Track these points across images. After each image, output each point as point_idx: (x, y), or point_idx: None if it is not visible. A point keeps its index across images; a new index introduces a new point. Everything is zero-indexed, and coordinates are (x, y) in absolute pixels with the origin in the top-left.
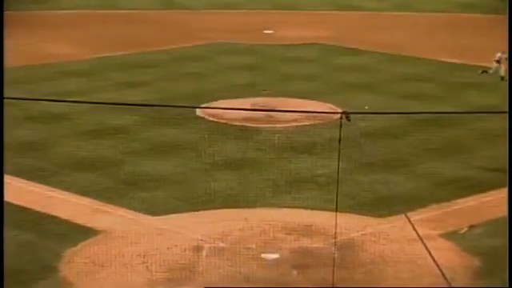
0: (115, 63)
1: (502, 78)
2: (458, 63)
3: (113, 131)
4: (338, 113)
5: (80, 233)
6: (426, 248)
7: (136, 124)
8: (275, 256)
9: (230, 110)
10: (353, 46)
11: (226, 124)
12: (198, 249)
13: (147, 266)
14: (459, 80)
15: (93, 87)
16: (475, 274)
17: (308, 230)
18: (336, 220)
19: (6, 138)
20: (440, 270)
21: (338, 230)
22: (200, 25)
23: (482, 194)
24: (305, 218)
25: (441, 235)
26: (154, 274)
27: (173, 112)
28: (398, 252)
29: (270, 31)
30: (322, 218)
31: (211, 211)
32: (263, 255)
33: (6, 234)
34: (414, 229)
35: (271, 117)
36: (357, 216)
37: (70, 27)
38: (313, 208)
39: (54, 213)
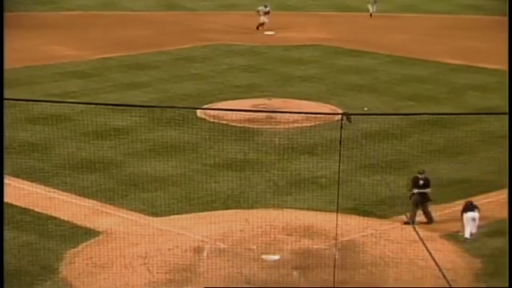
0: (116, 64)
1: None
2: (459, 64)
3: (114, 132)
4: (339, 114)
5: (81, 234)
6: (427, 249)
7: (137, 125)
8: (276, 257)
9: (231, 111)
10: (354, 48)
11: (226, 125)
12: (198, 250)
13: (148, 267)
14: (460, 81)
15: (93, 88)
16: (476, 276)
17: (309, 231)
18: (337, 221)
19: (7, 139)
20: (441, 271)
21: (339, 231)
22: (201, 26)
23: (483, 196)
24: (306, 219)
25: (442, 236)
26: (154, 274)
27: (174, 113)
28: (399, 253)
29: (270, 32)
30: (323, 219)
31: (212, 212)
32: (264, 256)
33: (7, 235)
34: (415, 230)
35: (272, 118)
36: (358, 217)
37: (70, 28)
38: (314, 209)
39: (54, 214)
